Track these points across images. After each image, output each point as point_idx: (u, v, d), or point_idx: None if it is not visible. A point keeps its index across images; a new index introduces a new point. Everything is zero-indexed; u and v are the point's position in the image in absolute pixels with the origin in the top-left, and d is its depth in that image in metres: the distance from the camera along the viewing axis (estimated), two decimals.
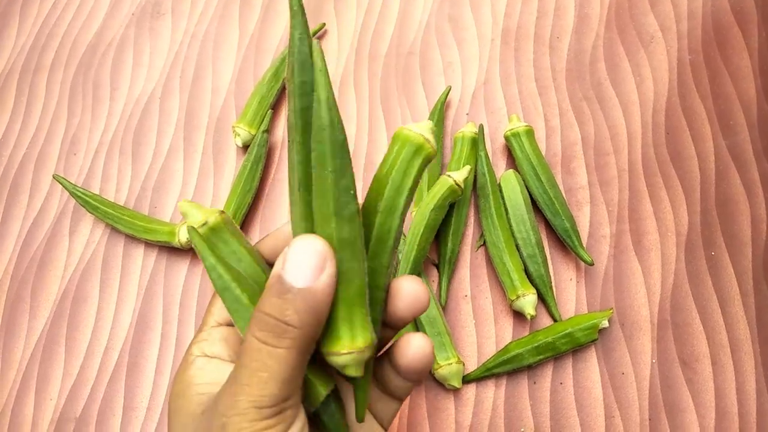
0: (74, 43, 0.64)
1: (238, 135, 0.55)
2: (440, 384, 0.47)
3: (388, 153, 0.29)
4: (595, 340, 0.46)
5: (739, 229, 0.50)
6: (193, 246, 0.32)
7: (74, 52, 0.63)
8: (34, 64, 0.63)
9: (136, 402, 0.49)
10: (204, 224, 0.30)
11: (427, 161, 0.29)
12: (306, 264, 0.24)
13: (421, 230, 0.47)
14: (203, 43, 0.62)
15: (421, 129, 0.29)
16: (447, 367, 0.46)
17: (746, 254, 0.49)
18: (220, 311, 0.31)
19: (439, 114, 0.55)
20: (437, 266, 0.51)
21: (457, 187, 0.47)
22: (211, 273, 0.29)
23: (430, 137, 0.29)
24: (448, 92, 0.56)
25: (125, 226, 0.53)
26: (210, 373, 0.28)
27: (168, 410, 0.30)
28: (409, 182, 0.28)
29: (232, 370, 0.26)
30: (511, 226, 0.50)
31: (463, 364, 0.47)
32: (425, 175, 0.52)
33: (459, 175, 0.47)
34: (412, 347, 0.29)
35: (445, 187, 0.47)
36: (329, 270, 0.25)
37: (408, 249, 0.47)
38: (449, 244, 0.50)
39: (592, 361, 0.47)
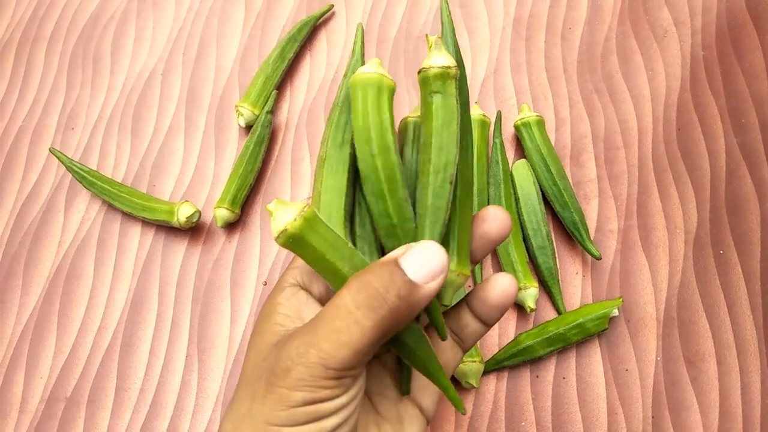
0: (75, 15, 0.62)
1: (242, 115, 0.54)
2: None
3: (355, 102, 0.30)
4: (606, 329, 0.45)
5: (748, 229, 0.49)
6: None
7: (75, 24, 0.62)
8: (33, 35, 0.61)
9: (129, 383, 0.48)
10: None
11: (392, 95, 0.31)
12: (428, 265, 0.26)
13: None
14: (208, 20, 0.61)
15: (374, 67, 0.30)
16: (470, 365, 0.44)
17: (755, 254, 0.49)
18: None
19: None
20: None
21: None
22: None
23: (384, 71, 0.30)
24: None
25: (123, 204, 0.52)
26: (295, 305, 0.29)
27: (253, 329, 0.30)
28: (387, 120, 0.30)
29: (314, 317, 0.26)
30: (521, 216, 0.49)
31: (484, 364, 0.45)
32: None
33: None
34: (499, 287, 0.30)
35: None
36: (439, 281, 0.26)
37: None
38: None
39: (595, 356, 0.47)
